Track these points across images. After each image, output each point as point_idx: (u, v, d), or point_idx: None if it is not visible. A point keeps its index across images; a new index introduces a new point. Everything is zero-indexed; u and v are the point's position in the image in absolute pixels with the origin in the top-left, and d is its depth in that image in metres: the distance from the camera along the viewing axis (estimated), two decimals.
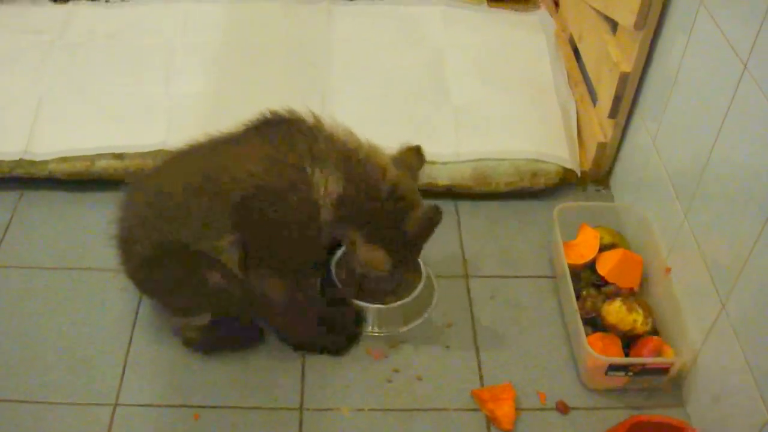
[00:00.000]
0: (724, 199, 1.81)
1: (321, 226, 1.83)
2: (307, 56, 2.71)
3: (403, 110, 2.52)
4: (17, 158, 2.35)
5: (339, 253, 2.15)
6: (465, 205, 2.43)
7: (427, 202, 1.89)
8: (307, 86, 2.59)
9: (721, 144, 1.82)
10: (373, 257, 1.90)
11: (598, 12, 2.45)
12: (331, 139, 1.82)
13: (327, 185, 1.79)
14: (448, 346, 2.07)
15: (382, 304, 2.07)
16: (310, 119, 1.84)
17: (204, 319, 1.93)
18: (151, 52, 2.68)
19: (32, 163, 2.36)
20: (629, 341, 1.99)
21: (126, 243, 1.89)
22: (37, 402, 1.91)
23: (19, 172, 2.37)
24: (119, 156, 2.37)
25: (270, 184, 1.77)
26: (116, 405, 1.91)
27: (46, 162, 2.36)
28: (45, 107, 2.47)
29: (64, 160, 2.36)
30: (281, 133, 1.82)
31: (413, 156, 1.96)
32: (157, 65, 2.63)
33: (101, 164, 2.37)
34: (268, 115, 1.86)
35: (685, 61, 2.01)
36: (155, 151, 2.36)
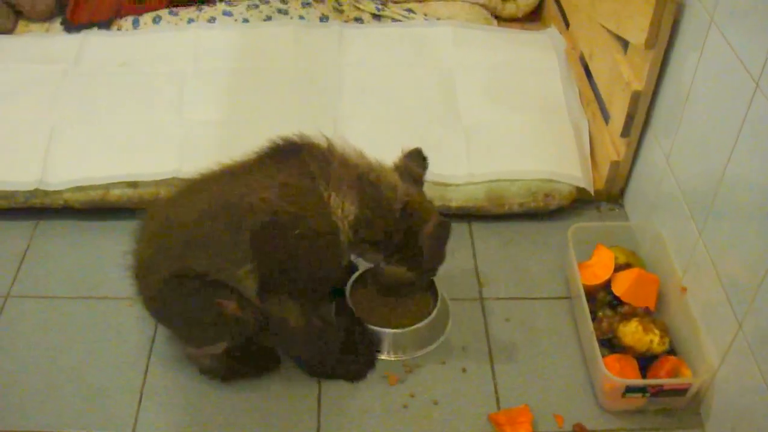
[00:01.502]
0: (738, 216, 1.80)
1: (340, 249, 1.84)
2: (319, 80, 2.72)
3: (414, 132, 2.52)
4: (32, 188, 2.36)
5: (353, 278, 2.15)
6: (479, 227, 2.43)
7: (437, 215, 1.90)
8: (319, 110, 2.59)
9: (734, 162, 1.81)
10: (396, 275, 1.94)
11: (609, 31, 2.45)
12: (344, 161, 1.83)
13: (344, 207, 1.80)
14: (464, 370, 2.06)
15: (401, 326, 2.07)
16: (322, 143, 1.85)
17: (220, 347, 1.93)
18: (164, 79, 2.69)
19: (47, 193, 2.37)
20: (646, 362, 1.98)
21: (142, 273, 1.89)
22: None
23: (34, 202, 2.39)
24: (133, 184, 2.38)
25: (288, 210, 1.77)
26: None
27: (60, 192, 2.37)
28: (59, 137, 2.48)
29: (78, 189, 2.37)
30: (294, 159, 1.83)
31: (415, 161, 1.97)
32: (169, 93, 2.64)
33: (115, 193, 2.38)
34: (280, 142, 1.86)
35: (696, 79, 2.00)
36: (169, 179, 2.37)
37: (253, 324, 1.87)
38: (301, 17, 2.98)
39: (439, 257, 1.97)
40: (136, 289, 1.93)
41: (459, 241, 2.38)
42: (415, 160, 1.97)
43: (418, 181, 1.96)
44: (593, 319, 2.03)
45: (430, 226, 1.86)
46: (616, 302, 2.10)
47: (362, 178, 1.82)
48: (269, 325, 1.89)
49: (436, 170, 2.27)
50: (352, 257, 2.08)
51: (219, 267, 1.80)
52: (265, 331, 1.91)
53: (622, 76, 2.30)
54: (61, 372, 2.04)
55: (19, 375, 2.03)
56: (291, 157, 1.84)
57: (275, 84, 2.69)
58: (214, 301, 1.82)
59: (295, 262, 1.82)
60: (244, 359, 2.01)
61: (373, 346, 2.07)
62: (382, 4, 3.04)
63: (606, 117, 2.51)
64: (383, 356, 2.08)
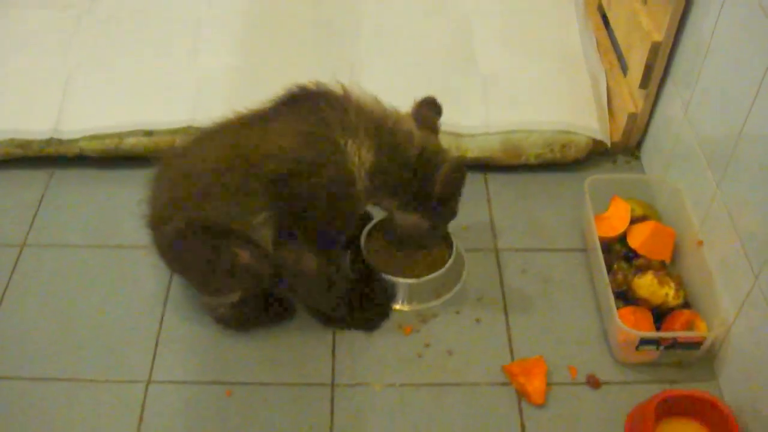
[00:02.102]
0: (757, 169, 1.78)
1: (357, 196, 1.84)
2: (336, 26, 2.70)
3: (431, 82, 2.49)
4: (47, 137, 2.36)
5: (368, 227, 2.15)
6: (495, 178, 2.42)
7: (452, 158, 1.90)
8: (336, 56, 2.58)
9: (755, 114, 1.79)
10: (409, 223, 1.94)
11: None
12: (360, 108, 1.83)
13: (360, 155, 1.80)
14: (478, 320, 2.06)
15: (416, 276, 2.07)
16: (338, 90, 1.84)
17: (234, 296, 1.94)
18: (178, 26, 2.67)
19: (62, 141, 2.37)
20: (661, 315, 1.98)
21: (156, 223, 1.89)
22: (71, 380, 1.94)
23: (49, 150, 2.39)
24: (148, 133, 2.37)
25: (305, 158, 1.77)
26: (149, 382, 1.93)
27: (75, 140, 2.37)
28: (73, 85, 2.47)
29: (93, 137, 2.37)
30: (310, 107, 1.82)
31: (429, 109, 1.97)
32: (184, 40, 2.62)
33: (130, 141, 2.38)
34: (296, 90, 1.85)
35: (718, 29, 1.97)
36: (184, 128, 2.36)
37: (266, 273, 1.88)
38: None
39: (452, 205, 1.97)
40: (150, 239, 1.94)
41: (474, 192, 2.37)
42: (430, 109, 1.96)
43: (433, 129, 1.95)
44: (608, 272, 2.02)
45: (446, 168, 1.86)
46: (631, 255, 2.09)
47: (378, 125, 1.82)
48: (284, 274, 1.90)
49: (452, 120, 2.26)
50: (368, 207, 2.08)
51: (234, 216, 1.80)
52: (280, 280, 1.91)
53: (641, 26, 2.27)
54: (76, 320, 2.06)
55: (35, 323, 2.05)
56: (307, 105, 1.83)
57: (291, 30, 2.68)
58: (228, 250, 1.82)
59: (312, 210, 1.82)
60: (258, 308, 2.02)
61: (387, 295, 2.07)
62: None
63: (624, 68, 2.49)
64: (398, 306, 2.08)
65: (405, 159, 1.84)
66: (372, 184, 1.84)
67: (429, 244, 2.13)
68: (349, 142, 1.79)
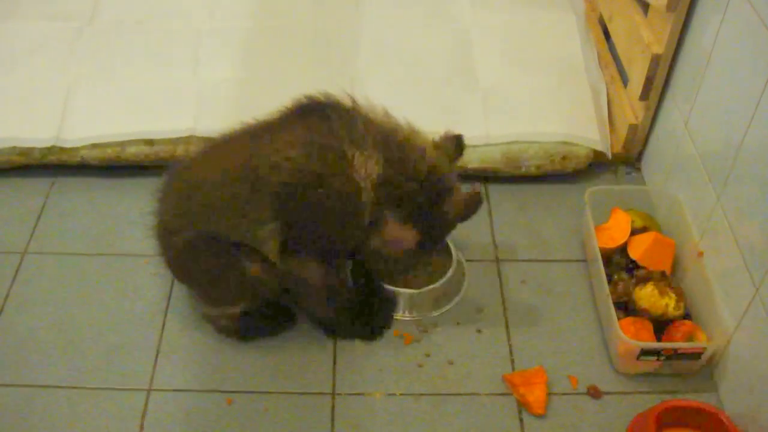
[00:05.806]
0: (757, 181, 1.79)
1: (361, 209, 1.83)
2: (336, 40, 2.71)
3: (432, 94, 2.51)
4: (49, 145, 2.37)
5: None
6: (495, 189, 2.43)
7: (467, 186, 1.89)
8: (336, 70, 2.59)
9: (755, 126, 1.80)
10: (400, 235, 1.89)
11: None
12: (368, 121, 1.82)
13: (367, 167, 1.79)
14: (479, 331, 2.07)
15: (417, 286, 2.08)
16: (347, 102, 1.84)
17: (238, 307, 1.94)
18: (180, 37, 2.69)
19: (64, 149, 2.38)
20: (661, 325, 1.98)
21: (164, 234, 1.90)
22: (72, 387, 1.94)
23: (51, 158, 2.40)
24: (149, 142, 2.38)
25: (312, 169, 1.76)
26: (150, 390, 1.93)
27: (77, 148, 2.38)
28: (75, 94, 2.49)
29: (95, 146, 2.38)
30: (319, 118, 1.81)
31: (452, 143, 1.94)
32: (185, 51, 2.64)
33: (132, 150, 2.38)
34: (305, 101, 1.85)
35: (718, 42, 1.98)
36: (185, 137, 2.37)
37: (273, 284, 1.88)
38: None
39: (451, 227, 1.95)
40: (158, 250, 1.94)
41: None
42: (452, 143, 1.94)
43: (449, 157, 1.92)
44: (609, 282, 2.03)
45: (466, 193, 1.85)
46: (632, 266, 2.10)
47: (387, 138, 1.81)
48: (289, 283, 1.90)
49: (453, 132, 2.26)
50: None
51: (241, 228, 1.80)
52: (284, 290, 1.91)
53: (642, 39, 2.28)
54: (78, 328, 2.06)
55: (36, 331, 2.05)
56: (316, 115, 1.82)
57: (292, 42, 2.69)
58: (238, 262, 1.83)
59: (318, 220, 1.82)
60: (260, 318, 2.02)
61: (389, 305, 2.08)
62: None
63: (625, 80, 2.50)
64: (399, 316, 2.09)
65: (414, 173, 1.80)
66: (377, 196, 1.82)
67: (403, 267, 2.11)
68: (357, 154, 1.77)
